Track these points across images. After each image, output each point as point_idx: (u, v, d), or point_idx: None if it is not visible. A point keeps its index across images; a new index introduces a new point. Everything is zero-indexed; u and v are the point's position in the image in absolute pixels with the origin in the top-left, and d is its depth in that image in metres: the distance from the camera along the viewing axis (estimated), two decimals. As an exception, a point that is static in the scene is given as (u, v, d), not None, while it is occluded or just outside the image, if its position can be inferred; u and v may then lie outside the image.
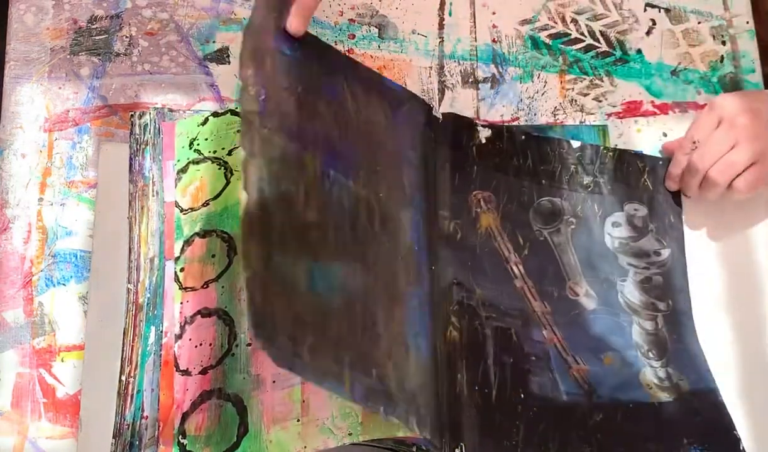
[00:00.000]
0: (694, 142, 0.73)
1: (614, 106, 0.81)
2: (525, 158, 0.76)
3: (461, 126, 0.76)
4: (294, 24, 0.65)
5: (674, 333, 0.72)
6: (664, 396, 0.69)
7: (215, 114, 0.73)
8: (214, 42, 0.79)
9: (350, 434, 0.60)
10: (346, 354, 0.57)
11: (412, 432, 0.59)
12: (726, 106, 0.73)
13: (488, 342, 0.69)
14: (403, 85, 0.79)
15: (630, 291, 0.73)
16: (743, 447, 0.67)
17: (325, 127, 0.64)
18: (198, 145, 0.72)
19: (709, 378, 0.70)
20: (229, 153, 0.71)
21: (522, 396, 0.67)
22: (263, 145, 0.58)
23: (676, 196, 0.77)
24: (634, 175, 0.77)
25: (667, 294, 0.74)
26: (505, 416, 0.66)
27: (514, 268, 0.73)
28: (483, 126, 0.77)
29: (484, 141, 0.76)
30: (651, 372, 0.70)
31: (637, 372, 0.70)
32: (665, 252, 0.75)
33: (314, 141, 0.62)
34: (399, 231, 0.65)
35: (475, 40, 0.82)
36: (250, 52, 0.60)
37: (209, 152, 0.71)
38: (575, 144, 0.77)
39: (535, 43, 0.83)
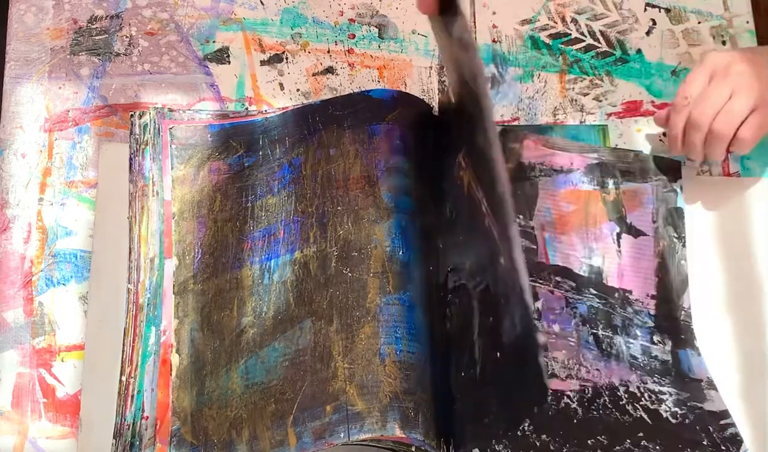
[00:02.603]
0: (686, 98, 0.71)
1: (614, 106, 0.81)
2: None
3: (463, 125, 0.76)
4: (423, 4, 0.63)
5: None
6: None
7: None
8: (214, 42, 0.79)
9: None
10: (288, 416, 0.62)
11: (393, 434, 0.60)
12: (717, 59, 0.71)
13: (475, 314, 0.67)
14: (403, 85, 0.79)
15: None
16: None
17: (269, 222, 0.71)
18: None
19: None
20: None
21: (498, 355, 0.64)
22: (195, 300, 0.68)
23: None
24: None
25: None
26: (486, 393, 0.65)
27: (484, 209, 0.70)
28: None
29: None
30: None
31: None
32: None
33: (252, 249, 0.70)
34: (368, 252, 0.67)
35: (475, 40, 0.82)
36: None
37: None
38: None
39: (535, 43, 0.83)
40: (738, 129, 0.70)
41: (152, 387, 0.65)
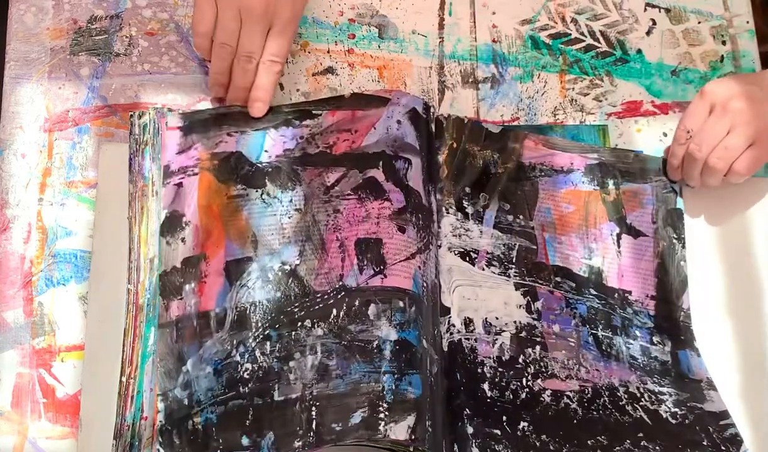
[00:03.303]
0: (688, 131, 0.73)
1: (614, 106, 0.81)
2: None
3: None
4: (256, 109, 0.73)
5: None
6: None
7: None
8: (214, 42, 0.79)
9: None
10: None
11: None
12: (717, 91, 0.72)
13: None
14: (403, 85, 0.79)
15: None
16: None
17: None
18: None
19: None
20: None
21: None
22: None
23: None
24: None
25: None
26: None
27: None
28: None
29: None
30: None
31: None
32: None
33: None
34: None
35: (475, 40, 0.82)
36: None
37: None
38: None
39: (535, 43, 0.83)
40: (733, 162, 0.71)
41: (152, 388, 0.65)
